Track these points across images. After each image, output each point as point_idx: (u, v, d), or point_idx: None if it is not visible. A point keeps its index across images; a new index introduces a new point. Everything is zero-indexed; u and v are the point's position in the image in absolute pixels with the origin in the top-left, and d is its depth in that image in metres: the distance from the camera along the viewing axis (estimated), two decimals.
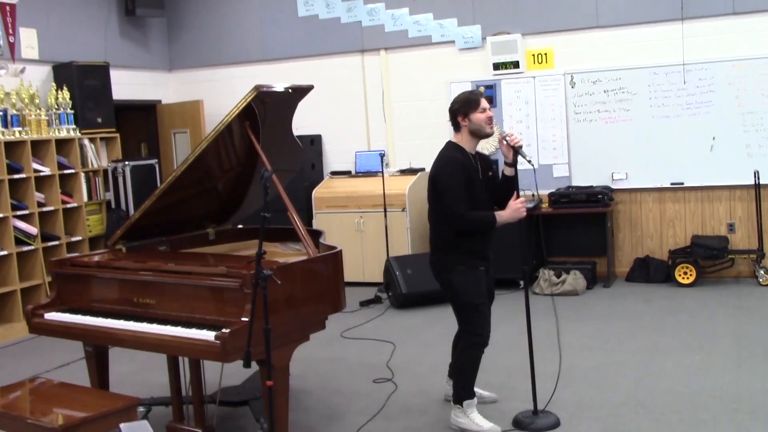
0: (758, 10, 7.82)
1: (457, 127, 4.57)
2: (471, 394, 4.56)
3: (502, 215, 4.47)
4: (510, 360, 5.67)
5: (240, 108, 4.24)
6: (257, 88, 4.21)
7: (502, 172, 4.62)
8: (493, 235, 4.61)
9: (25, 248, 7.76)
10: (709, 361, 5.50)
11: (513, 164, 4.55)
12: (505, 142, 4.52)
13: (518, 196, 4.52)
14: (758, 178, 7.82)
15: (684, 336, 6.18)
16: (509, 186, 4.60)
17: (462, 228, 4.46)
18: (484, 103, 4.53)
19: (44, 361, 6.56)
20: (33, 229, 7.82)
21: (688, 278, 7.86)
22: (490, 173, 4.67)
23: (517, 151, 4.49)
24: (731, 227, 8.15)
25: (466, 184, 4.43)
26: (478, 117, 4.49)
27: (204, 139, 4.40)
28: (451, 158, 4.49)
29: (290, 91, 4.57)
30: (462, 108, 4.51)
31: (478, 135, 4.55)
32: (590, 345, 6.10)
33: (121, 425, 2.38)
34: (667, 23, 8.12)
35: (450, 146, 4.58)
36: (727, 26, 7.96)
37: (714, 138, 8.05)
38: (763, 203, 7.90)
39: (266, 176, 3.49)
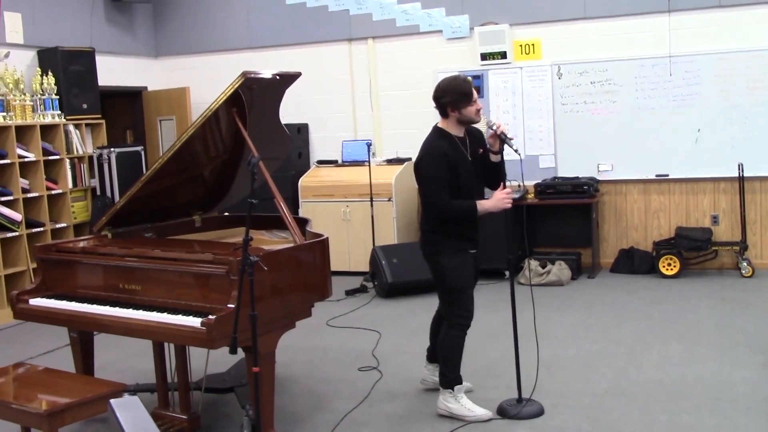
0: (744, 3, 7.86)
1: (444, 114, 4.56)
2: (459, 379, 4.59)
3: (485, 204, 4.47)
4: (494, 349, 5.70)
5: (227, 94, 4.23)
6: (244, 74, 4.20)
7: (488, 157, 4.63)
8: (482, 220, 4.61)
9: (9, 234, 7.72)
10: (692, 351, 5.55)
11: (498, 152, 4.56)
12: (491, 131, 4.52)
13: (504, 187, 4.53)
14: (742, 171, 7.88)
15: (667, 326, 6.23)
16: (496, 171, 4.61)
17: (443, 216, 4.50)
18: (475, 95, 4.53)
19: (29, 347, 6.54)
20: (17, 216, 7.77)
21: (672, 269, 7.92)
22: (481, 150, 4.63)
23: (503, 140, 4.50)
24: (715, 219, 8.20)
25: (449, 172, 4.44)
26: (469, 110, 4.48)
27: (191, 126, 4.39)
28: (433, 147, 4.49)
29: (278, 77, 4.56)
30: (454, 102, 4.47)
31: (465, 123, 4.56)
32: (574, 335, 6.14)
33: (111, 401, 2.37)
34: (654, 15, 8.15)
35: (436, 131, 4.58)
36: (714, 19, 8.00)
37: (699, 130, 8.10)
38: (746, 195, 7.96)
39: (254, 162, 3.49)
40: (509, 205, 4.49)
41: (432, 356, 4.99)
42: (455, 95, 4.48)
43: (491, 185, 4.64)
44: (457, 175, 4.45)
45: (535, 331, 4.92)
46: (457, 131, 4.55)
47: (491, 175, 4.64)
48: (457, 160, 4.47)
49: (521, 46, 8.73)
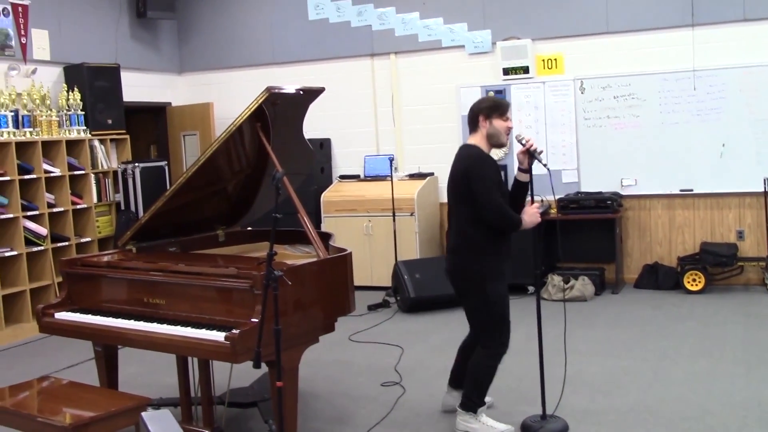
0: None
1: (474, 127, 4.52)
2: (483, 403, 4.55)
3: (524, 220, 4.44)
4: (519, 365, 5.66)
5: (251, 109, 4.25)
6: (269, 89, 4.22)
7: (515, 178, 4.59)
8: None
9: (35, 249, 7.79)
10: (718, 368, 5.48)
11: (528, 170, 4.50)
12: (522, 146, 4.49)
13: (533, 202, 4.51)
14: None
15: (693, 343, 6.17)
16: (522, 193, 4.57)
17: (495, 220, 4.34)
18: (509, 113, 4.54)
19: (54, 360, 6.58)
20: (43, 230, 7.84)
21: (696, 285, 7.84)
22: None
23: (533, 155, 4.45)
24: (740, 234, 8.13)
25: (498, 179, 4.43)
26: (500, 123, 4.47)
27: (215, 141, 4.41)
28: (482, 154, 4.43)
29: (301, 93, 4.58)
30: (488, 109, 4.47)
31: (494, 141, 4.50)
32: (599, 351, 6.09)
33: (143, 414, 2.38)
34: (678, 29, 8.11)
35: (471, 146, 4.52)
36: (738, 33, 7.95)
37: (724, 145, 8.04)
38: None
39: (278, 177, 3.50)
40: (539, 219, 4.47)
41: (457, 382, 4.81)
42: (491, 103, 4.51)
43: (514, 208, 4.58)
44: (499, 186, 4.44)
45: (564, 346, 4.87)
46: (486, 150, 4.53)
47: (514, 198, 4.57)
48: (499, 172, 4.47)
49: (543, 60, 8.72)
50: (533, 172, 4.53)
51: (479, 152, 4.46)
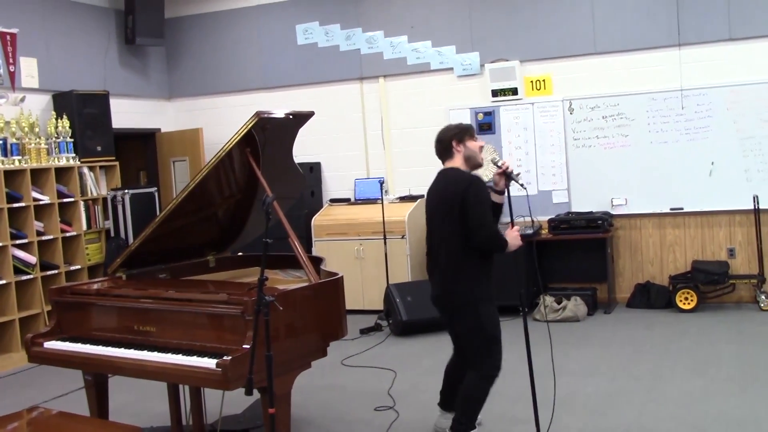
0: (754, 36, 7.87)
1: (449, 154, 4.58)
2: (474, 426, 4.52)
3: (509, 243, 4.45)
4: (512, 387, 5.63)
5: (241, 134, 4.25)
6: (258, 114, 4.22)
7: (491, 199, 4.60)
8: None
9: (24, 277, 7.73)
10: (712, 387, 5.47)
11: (502, 192, 4.53)
12: (497, 168, 4.51)
13: (513, 225, 4.51)
14: (758, 203, 7.83)
15: (686, 362, 6.15)
16: (496, 214, 4.58)
17: (486, 243, 4.36)
18: (475, 135, 4.64)
19: (43, 390, 6.52)
20: (32, 258, 7.79)
21: (689, 304, 7.84)
22: None
23: (509, 176, 4.46)
24: (731, 252, 8.14)
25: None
26: (472, 144, 4.55)
27: (205, 166, 4.40)
28: (477, 177, 4.45)
29: (291, 117, 4.58)
30: (459, 134, 4.56)
31: (472, 162, 4.56)
32: (592, 371, 6.07)
33: None
34: (665, 49, 8.17)
35: (459, 169, 4.54)
36: (724, 52, 8.01)
37: (713, 163, 8.07)
38: (762, 228, 7.90)
39: (268, 201, 3.49)
40: (521, 243, 4.48)
41: (447, 404, 4.82)
42: (459, 128, 4.61)
43: None
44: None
45: (553, 368, 4.84)
46: None
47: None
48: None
49: (532, 82, 8.75)
50: (518, 193, 4.54)
51: (474, 175, 4.49)
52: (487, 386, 4.50)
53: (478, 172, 4.65)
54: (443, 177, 4.58)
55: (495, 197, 4.55)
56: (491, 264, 4.50)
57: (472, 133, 4.59)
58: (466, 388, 4.53)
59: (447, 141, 4.59)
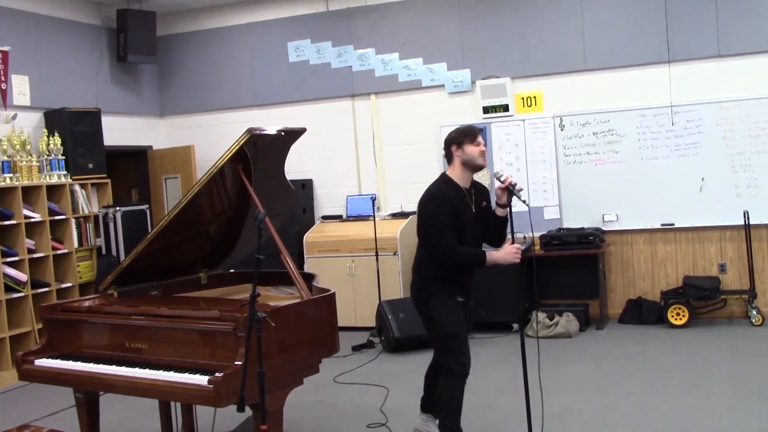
0: (743, 52, 7.94)
1: (450, 158, 4.62)
2: (460, 429, 4.53)
3: (495, 255, 4.46)
4: (504, 402, 5.63)
5: (233, 151, 4.25)
6: (250, 130, 4.23)
7: (494, 212, 4.63)
8: (482, 272, 4.61)
9: (15, 295, 7.70)
10: (705, 402, 5.47)
11: (506, 206, 4.55)
12: (499, 183, 4.53)
13: (513, 241, 4.52)
14: (748, 219, 7.86)
15: (679, 377, 6.16)
16: (500, 226, 4.62)
17: (449, 262, 4.46)
18: (479, 138, 4.61)
19: (34, 408, 6.47)
20: (23, 276, 7.76)
21: (680, 319, 7.85)
22: (485, 203, 4.69)
23: (511, 191, 4.48)
24: (722, 268, 8.17)
25: (453, 219, 4.44)
26: (471, 149, 4.55)
27: (196, 183, 4.40)
28: (438, 193, 4.52)
29: (282, 133, 4.59)
30: (458, 137, 4.58)
31: (471, 166, 4.59)
32: (585, 387, 6.07)
33: None
34: (654, 66, 8.23)
35: (442, 179, 4.61)
36: (713, 69, 8.07)
37: (703, 179, 8.11)
38: (753, 243, 7.93)
39: (260, 218, 3.49)
40: (518, 260, 4.48)
41: (426, 406, 4.96)
42: (461, 132, 4.62)
43: (492, 241, 4.63)
44: (460, 225, 4.46)
45: (540, 385, 4.83)
46: (463, 181, 4.58)
47: (494, 230, 4.66)
48: (461, 209, 4.48)
49: (523, 98, 8.79)
50: (517, 208, 4.56)
51: (438, 191, 4.55)
52: (457, 384, 4.52)
53: (477, 176, 4.70)
54: (428, 186, 4.67)
55: (498, 211, 4.59)
56: (462, 274, 4.58)
57: (474, 136, 4.59)
58: (440, 390, 4.60)
59: (448, 145, 4.65)
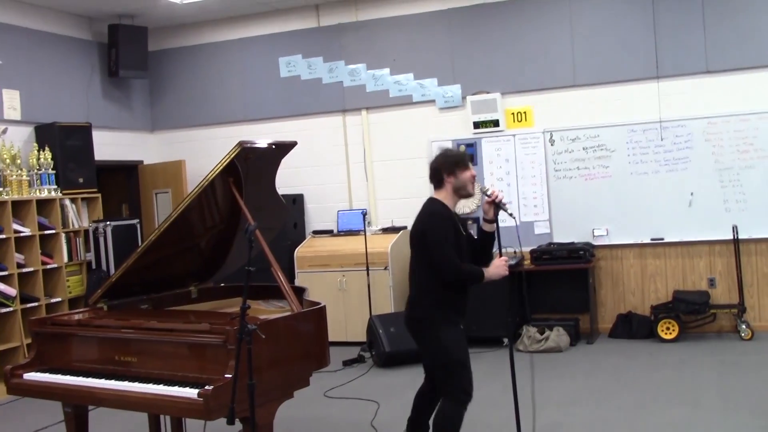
0: (731, 68, 8.01)
1: (440, 183, 4.59)
2: None
3: (488, 272, 4.47)
4: (495, 417, 5.62)
5: (224, 164, 4.26)
6: (241, 144, 4.24)
7: (481, 227, 4.63)
8: (472, 290, 4.60)
9: (4, 310, 7.66)
10: (695, 416, 5.48)
11: (493, 221, 4.56)
12: (486, 197, 4.54)
13: (500, 254, 4.53)
14: (737, 233, 7.90)
15: (669, 391, 6.17)
16: (488, 242, 4.61)
17: (453, 279, 4.41)
18: (470, 164, 4.60)
19: (23, 423, 6.43)
20: (12, 291, 7.73)
21: (670, 333, 7.87)
22: (465, 233, 4.68)
23: (498, 206, 4.50)
24: (712, 282, 8.20)
25: (454, 237, 4.44)
26: (464, 175, 4.53)
27: (187, 196, 4.40)
28: (438, 212, 4.50)
29: (273, 147, 4.60)
30: (450, 165, 4.53)
31: (461, 194, 4.58)
32: (575, 401, 6.07)
33: None
34: (643, 82, 8.29)
35: (433, 201, 4.59)
36: (702, 84, 8.13)
37: (692, 194, 8.15)
38: (742, 258, 7.97)
39: (251, 229, 3.50)
40: (507, 272, 4.49)
41: (413, 426, 4.85)
42: (451, 159, 4.56)
43: (479, 262, 4.62)
44: (458, 242, 4.46)
45: (533, 400, 4.84)
46: (451, 204, 4.57)
47: (481, 250, 4.64)
48: (457, 227, 4.49)
49: (513, 114, 8.84)
50: (505, 223, 4.57)
51: (436, 210, 4.52)
52: (458, 412, 4.44)
53: (465, 201, 4.68)
54: (420, 211, 4.62)
55: (486, 226, 4.58)
56: (462, 291, 4.53)
57: (465, 164, 4.56)
58: (438, 416, 4.49)
59: (438, 171, 4.59)
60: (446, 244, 4.39)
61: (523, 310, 8.35)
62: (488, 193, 4.53)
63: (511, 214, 4.48)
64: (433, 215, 4.50)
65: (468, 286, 4.52)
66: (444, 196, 4.58)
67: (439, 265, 4.41)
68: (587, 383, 6.60)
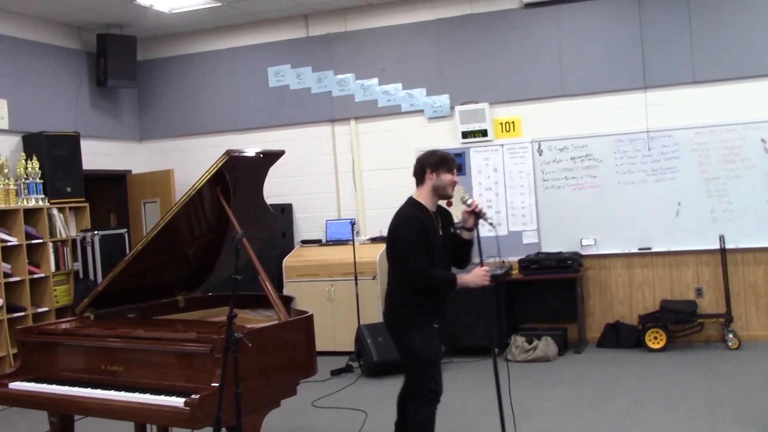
0: (718, 79, 8.06)
1: (421, 179, 4.62)
2: None
3: (465, 278, 4.48)
4: (483, 427, 5.62)
5: (211, 173, 4.26)
6: (229, 152, 4.24)
7: (461, 234, 4.65)
8: (450, 294, 4.62)
9: None
10: (682, 425, 5.49)
11: (472, 229, 4.57)
12: (466, 207, 4.55)
13: (482, 264, 4.54)
14: (724, 243, 7.94)
15: (656, 400, 6.18)
16: (465, 249, 4.64)
17: (421, 284, 4.45)
18: (455, 170, 4.63)
19: None
20: None
21: (658, 343, 7.89)
22: (452, 229, 4.70)
23: (479, 215, 4.52)
24: (699, 292, 8.23)
25: (424, 240, 4.45)
26: (446, 176, 4.56)
27: (175, 204, 4.40)
28: (409, 215, 4.53)
29: (261, 156, 4.60)
30: (436, 163, 4.57)
31: (440, 193, 4.61)
32: (563, 411, 6.07)
33: None
34: (631, 92, 8.34)
35: (410, 203, 4.62)
36: (689, 95, 8.18)
37: (679, 203, 8.19)
38: (729, 267, 8.01)
39: (238, 238, 3.49)
40: (487, 283, 4.50)
41: (400, 429, 4.89)
42: (439, 158, 4.61)
43: (458, 264, 4.65)
44: (429, 246, 4.47)
45: (511, 408, 4.81)
46: (430, 205, 4.60)
47: (460, 254, 4.67)
48: (430, 231, 4.50)
49: (501, 124, 8.87)
50: (488, 234, 4.57)
51: (409, 214, 4.55)
52: (429, 410, 4.48)
53: (451, 210, 4.69)
54: (397, 211, 4.66)
55: (465, 234, 4.59)
56: (434, 293, 4.54)
57: (451, 167, 4.60)
58: (411, 417, 4.54)
59: (423, 166, 4.63)
60: (415, 251, 4.42)
61: (511, 320, 8.36)
62: (468, 202, 4.55)
63: (491, 224, 4.49)
64: (403, 219, 4.53)
65: (439, 291, 4.54)
66: (424, 195, 4.61)
67: (408, 273, 4.47)
68: (575, 392, 6.60)
